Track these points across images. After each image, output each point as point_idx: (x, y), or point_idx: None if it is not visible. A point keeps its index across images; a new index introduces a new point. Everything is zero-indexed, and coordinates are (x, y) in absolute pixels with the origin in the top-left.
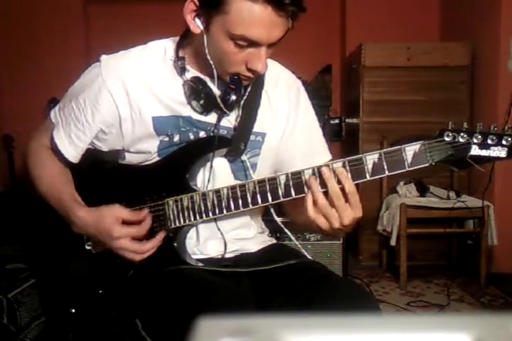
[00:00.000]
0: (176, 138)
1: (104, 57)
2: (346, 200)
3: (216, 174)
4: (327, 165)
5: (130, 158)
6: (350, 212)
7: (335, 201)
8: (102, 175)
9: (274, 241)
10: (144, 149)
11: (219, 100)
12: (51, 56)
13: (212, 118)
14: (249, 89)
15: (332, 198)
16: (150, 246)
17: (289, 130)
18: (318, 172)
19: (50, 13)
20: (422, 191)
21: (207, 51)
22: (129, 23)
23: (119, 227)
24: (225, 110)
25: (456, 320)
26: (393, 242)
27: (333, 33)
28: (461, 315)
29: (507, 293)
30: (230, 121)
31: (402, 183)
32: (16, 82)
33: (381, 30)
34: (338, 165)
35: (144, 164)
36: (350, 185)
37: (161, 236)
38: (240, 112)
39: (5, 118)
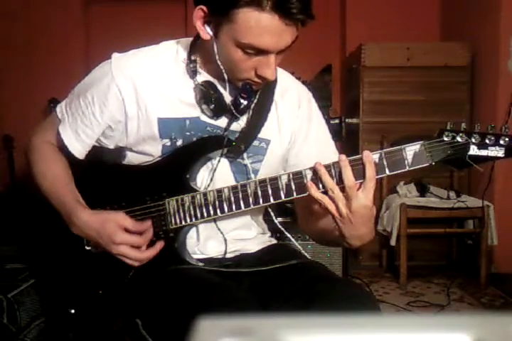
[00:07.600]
0: (179, 143)
1: (115, 55)
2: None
3: (216, 174)
4: (328, 166)
5: (132, 158)
6: (362, 198)
7: (347, 191)
8: (103, 174)
9: (274, 241)
10: (147, 152)
11: (230, 105)
12: (51, 56)
13: (222, 122)
14: (258, 95)
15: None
16: (148, 255)
17: (299, 141)
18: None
19: (50, 13)
20: (422, 191)
21: (217, 57)
22: (129, 23)
23: (122, 234)
24: (236, 115)
25: (456, 320)
26: (393, 242)
27: (333, 33)
28: (461, 315)
29: (507, 293)
30: (240, 125)
31: (402, 183)
32: (16, 82)
33: (381, 30)
34: None
35: (144, 164)
36: (371, 172)
37: (159, 245)
38: (250, 117)
39: (5, 118)
